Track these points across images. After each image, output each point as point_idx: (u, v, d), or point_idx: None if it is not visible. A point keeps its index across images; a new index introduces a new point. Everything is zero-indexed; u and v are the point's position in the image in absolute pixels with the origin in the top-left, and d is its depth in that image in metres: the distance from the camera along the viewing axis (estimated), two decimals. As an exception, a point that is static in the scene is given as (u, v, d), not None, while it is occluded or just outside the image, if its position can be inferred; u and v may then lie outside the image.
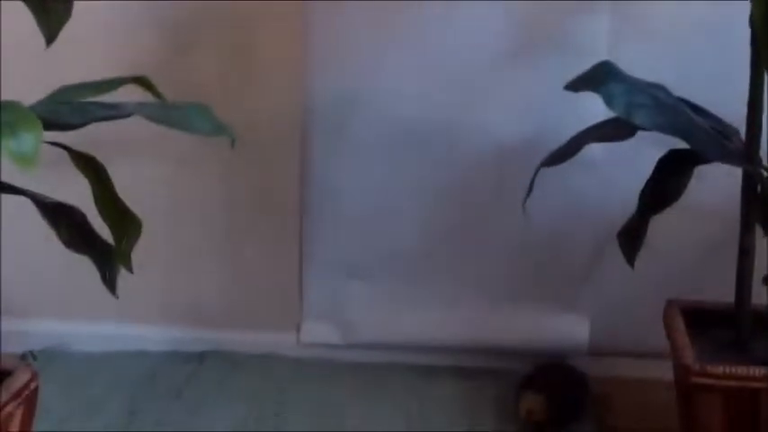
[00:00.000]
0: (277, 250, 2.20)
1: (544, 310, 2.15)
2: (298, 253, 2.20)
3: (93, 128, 1.46)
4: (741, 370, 1.56)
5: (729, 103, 1.64)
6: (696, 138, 1.55)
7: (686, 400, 1.63)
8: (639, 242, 1.69)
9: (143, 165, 2.12)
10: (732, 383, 1.56)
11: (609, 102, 1.54)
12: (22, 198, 1.51)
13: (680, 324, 1.71)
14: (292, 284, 2.21)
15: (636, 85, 1.60)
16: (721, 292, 1.72)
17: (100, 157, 1.52)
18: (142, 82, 1.57)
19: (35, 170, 1.19)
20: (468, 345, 2.17)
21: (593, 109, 1.71)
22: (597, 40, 1.99)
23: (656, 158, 1.68)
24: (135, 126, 1.53)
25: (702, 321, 1.74)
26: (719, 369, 1.56)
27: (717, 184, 1.79)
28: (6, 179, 1.50)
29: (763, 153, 1.65)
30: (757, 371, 1.56)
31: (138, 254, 1.55)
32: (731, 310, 1.70)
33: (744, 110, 1.62)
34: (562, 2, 1.98)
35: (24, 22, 1.50)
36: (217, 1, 2.05)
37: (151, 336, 2.21)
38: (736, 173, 1.66)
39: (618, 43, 1.98)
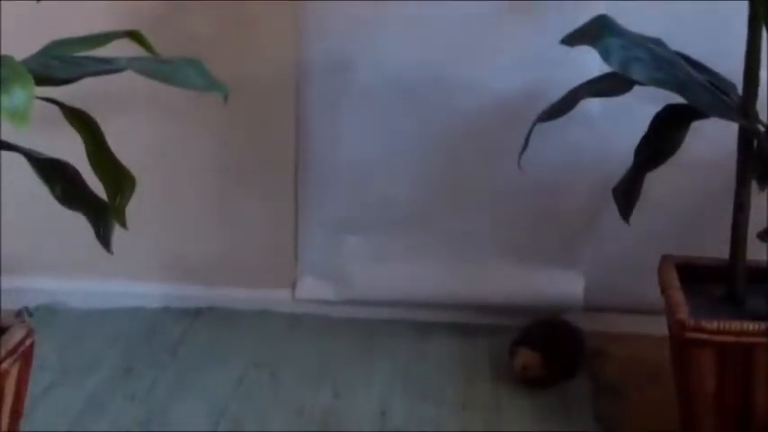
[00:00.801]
0: (272, 207, 2.20)
1: (540, 265, 2.15)
2: (293, 209, 2.19)
3: (85, 83, 1.45)
4: (735, 325, 1.56)
5: (727, 58, 1.63)
6: (693, 93, 1.55)
7: (681, 355, 1.63)
8: (635, 198, 1.69)
9: (136, 121, 2.10)
10: (726, 338, 1.56)
11: (605, 56, 1.53)
12: (18, 154, 1.50)
13: (674, 280, 1.71)
14: (288, 241, 2.21)
15: (633, 40, 1.58)
16: (717, 247, 1.72)
17: (92, 113, 1.51)
18: (135, 36, 1.55)
19: (27, 126, 1.18)
20: (464, 301, 2.17)
21: (591, 63, 1.71)
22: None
23: (653, 113, 1.67)
24: (128, 81, 1.52)
25: (697, 277, 1.74)
26: (714, 324, 1.56)
27: (714, 139, 1.79)
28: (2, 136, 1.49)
29: (761, 108, 1.64)
30: (751, 326, 1.56)
31: (133, 210, 1.54)
32: (726, 265, 1.70)
33: (741, 65, 1.61)
34: (559, -44, 1.97)
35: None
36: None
37: (147, 292, 2.21)
38: (733, 128, 1.65)
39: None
